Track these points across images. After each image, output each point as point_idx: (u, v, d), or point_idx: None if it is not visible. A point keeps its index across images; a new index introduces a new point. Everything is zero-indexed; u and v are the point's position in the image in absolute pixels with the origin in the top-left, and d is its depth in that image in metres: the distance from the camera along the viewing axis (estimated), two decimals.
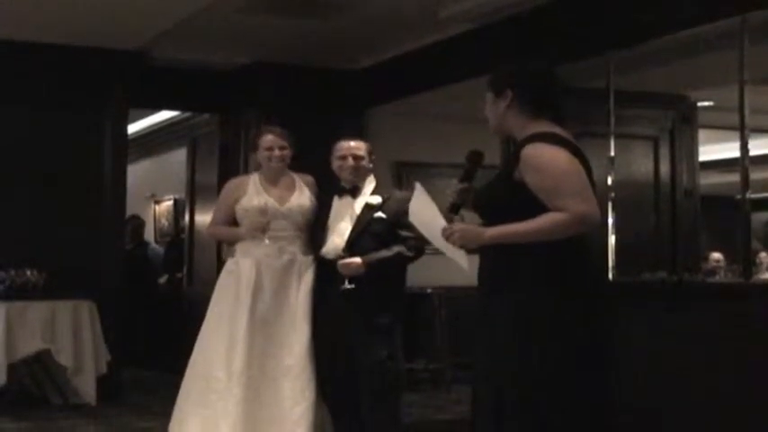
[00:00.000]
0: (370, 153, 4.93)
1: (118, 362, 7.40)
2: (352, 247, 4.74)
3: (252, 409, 4.70)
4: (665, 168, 7.43)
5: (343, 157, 4.87)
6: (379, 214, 4.80)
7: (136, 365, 8.69)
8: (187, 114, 9.60)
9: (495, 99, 3.31)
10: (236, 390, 4.68)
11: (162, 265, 10.28)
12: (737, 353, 4.95)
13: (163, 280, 10.17)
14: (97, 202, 7.68)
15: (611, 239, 6.26)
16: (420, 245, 4.70)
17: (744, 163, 5.51)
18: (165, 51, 7.72)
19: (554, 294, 3.10)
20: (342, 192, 4.91)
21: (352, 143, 4.92)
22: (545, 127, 3.22)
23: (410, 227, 4.29)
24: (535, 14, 6.30)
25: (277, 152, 4.95)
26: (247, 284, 4.83)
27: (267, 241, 4.86)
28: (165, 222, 11.34)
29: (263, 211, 4.88)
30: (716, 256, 9.41)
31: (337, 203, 4.90)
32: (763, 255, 9.60)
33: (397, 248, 4.75)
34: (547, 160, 3.12)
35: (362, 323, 4.71)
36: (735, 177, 5.82)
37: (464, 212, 3.38)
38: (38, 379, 7.20)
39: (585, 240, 3.18)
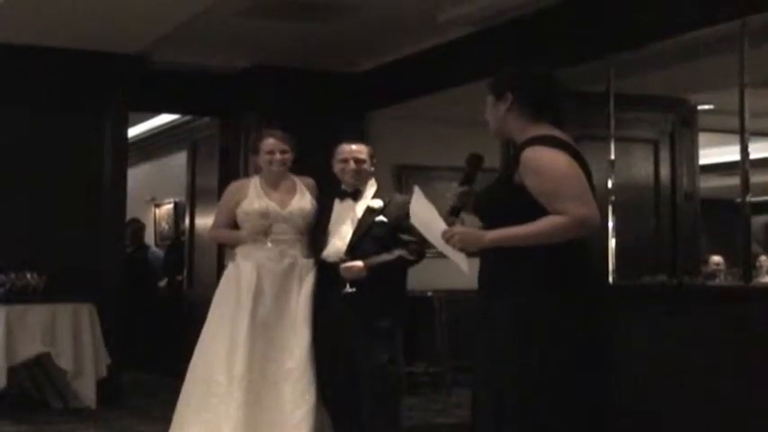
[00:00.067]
0: (371, 156, 4.93)
1: (118, 365, 7.40)
2: (353, 250, 4.73)
3: (253, 413, 4.69)
4: (665, 171, 7.44)
5: (345, 161, 4.87)
6: (381, 218, 4.80)
7: (136, 369, 8.69)
8: (187, 118, 9.61)
9: (496, 102, 3.32)
10: (237, 394, 4.68)
11: (162, 269, 10.28)
12: (737, 356, 4.95)
13: (163, 283, 10.18)
14: (97, 205, 7.68)
15: (612, 243, 6.27)
16: (421, 249, 4.70)
17: (744, 166, 5.51)
18: (165, 55, 7.72)
19: (554, 298, 3.10)
20: (343, 195, 4.91)
21: (354, 146, 4.92)
22: (545, 130, 3.23)
23: (411, 230, 4.30)
24: (535, 18, 6.30)
25: (278, 156, 4.95)
26: (248, 288, 4.82)
27: (269, 244, 4.86)
28: (165, 226, 11.34)
29: (264, 214, 4.88)
30: (716, 259, 9.41)
31: (338, 207, 4.90)
32: (763, 258, 9.60)
33: (398, 252, 4.75)
34: (546, 163, 3.12)
35: (363, 327, 4.71)
36: (735, 180, 5.82)
37: (464, 215, 3.38)
38: (38, 382, 7.20)
39: (585, 243, 3.18)
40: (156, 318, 9.71)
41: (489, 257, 3.24)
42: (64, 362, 6.87)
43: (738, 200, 5.63)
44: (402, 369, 4.91)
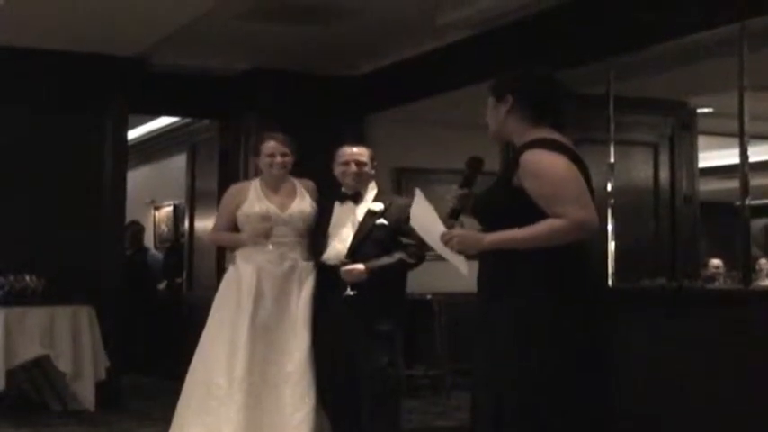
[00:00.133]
0: (372, 159, 4.94)
1: (117, 368, 7.39)
2: (354, 253, 4.74)
3: (253, 415, 4.69)
4: (664, 175, 7.44)
5: (346, 163, 4.87)
6: (381, 221, 4.80)
7: (135, 371, 8.68)
8: (187, 120, 9.61)
9: (496, 104, 3.32)
10: (237, 396, 4.68)
11: (161, 271, 10.28)
12: (737, 359, 4.95)
13: (162, 286, 10.18)
14: (97, 207, 7.67)
15: (611, 246, 6.27)
16: (421, 252, 4.71)
17: (743, 169, 5.51)
18: (165, 57, 7.72)
19: (553, 300, 3.10)
20: (343, 198, 4.91)
21: (355, 149, 4.93)
22: (545, 133, 3.23)
23: (411, 234, 4.30)
24: (535, 21, 6.31)
25: (279, 159, 4.95)
26: (248, 291, 4.83)
27: (270, 247, 4.86)
28: (164, 228, 11.34)
29: (264, 217, 4.88)
30: (715, 262, 9.42)
31: (338, 209, 4.90)
32: (762, 261, 9.61)
33: (398, 255, 4.76)
34: (545, 166, 3.12)
35: (363, 329, 4.71)
36: (734, 183, 5.82)
37: (464, 218, 3.38)
38: (37, 385, 7.19)
39: (585, 246, 3.18)
40: (156, 320, 9.70)
41: (488, 260, 3.24)
42: (63, 364, 6.86)
43: (738, 203, 5.63)
44: (401, 372, 4.91)
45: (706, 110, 7.86)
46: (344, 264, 4.70)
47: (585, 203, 3.12)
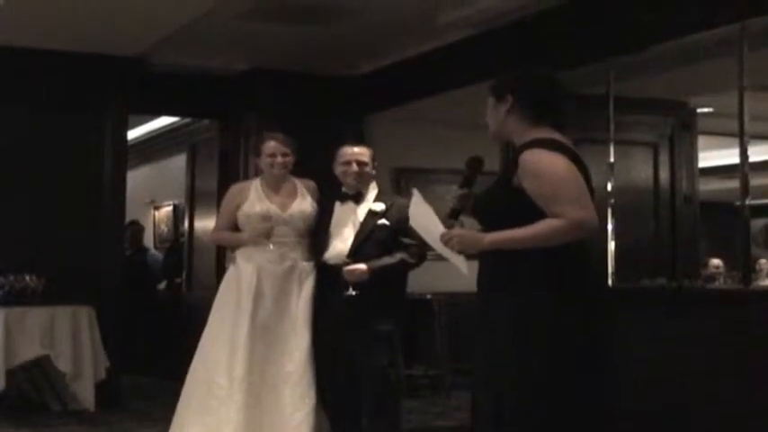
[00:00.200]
0: (373, 159, 4.94)
1: (117, 368, 7.39)
2: (355, 253, 4.74)
3: (253, 415, 4.70)
4: (664, 175, 7.44)
5: (348, 163, 4.88)
6: (383, 221, 4.80)
7: (135, 371, 8.68)
8: (186, 120, 9.61)
9: (496, 104, 3.32)
10: (237, 396, 4.69)
11: (161, 271, 10.28)
12: (737, 359, 4.95)
13: (162, 285, 10.17)
14: (97, 207, 7.67)
15: (611, 245, 6.27)
16: (422, 252, 4.71)
17: (743, 169, 5.51)
18: (165, 57, 7.72)
19: (553, 300, 3.10)
20: (344, 197, 4.91)
21: (356, 149, 4.93)
22: (544, 133, 3.23)
23: (412, 234, 4.30)
24: (535, 20, 6.30)
25: (279, 159, 4.96)
26: (248, 291, 4.83)
27: (271, 247, 4.86)
28: (164, 228, 11.34)
29: (265, 217, 4.89)
30: (715, 262, 9.42)
31: (339, 209, 4.90)
32: (762, 261, 9.62)
33: (400, 255, 4.76)
34: (545, 166, 3.12)
35: (364, 329, 4.71)
36: (734, 183, 5.82)
37: (464, 218, 3.38)
38: (37, 385, 7.19)
39: (584, 246, 3.18)
40: (156, 320, 9.70)
41: (488, 260, 3.25)
42: (63, 364, 6.86)
43: (738, 203, 5.63)
44: (401, 372, 4.91)
45: (706, 110, 7.85)
46: (346, 264, 4.70)
47: (585, 203, 3.12)
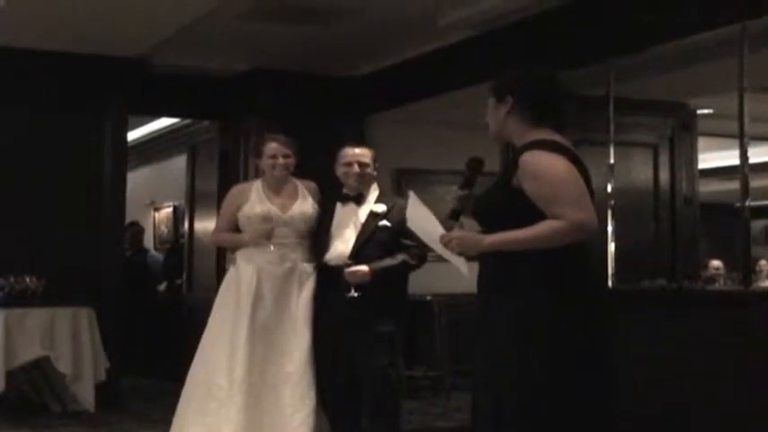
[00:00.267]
0: (374, 160, 4.94)
1: (117, 369, 7.39)
2: (357, 255, 4.74)
3: (253, 416, 4.70)
4: (664, 176, 7.44)
5: (349, 164, 4.88)
6: (384, 222, 4.80)
7: (135, 372, 8.68)
8: (187, 121, 9.61)
9: (497, 104, 3.32)
10: (237, 397, 4.69)
11: (161, 272, 10.27)
12: (737, 360, 4.95)
13: (162, 287, 10.17)
14: (97, 208, 7.67)
15: (611, 247, 6.27)
16: (423, 253, 4.71)
17: (743, 171, 5.51)
18: (166, 58, 7.72)
19: (552, 301, 3.10)
20: (345, 198, 4.91)
21: (358, 150, 4.93)
22: (544, 134, 3.23)
23: (413, 235, 4.29)
24: (536, 21, 6.30)
25: (281, 160, 4.96)
26: (248, 292, 4.83)
27: (272, 248, 4.86)
28: (164, 229, 11.34)
29: (265, 218, 4.89)
30: (715, 263, 9.42)
31: (340, 210, 4.90)
32: (762, 262, 9.61)
33: (401, 257, 4.77)
34: (545, 167, 3.12)
35: (365, 330, 4.71)
36: (734, 185, 5.83)
37: (464, 219, 3.38)
38: (37, 386, 7.19)
39: (584, 247, 3.18)
40: (156, 321, 9.69)
41: (488, 261, 3.24)
42: (63, 365, 6.86)
43: (738, 204, 5.63)
44: (402, 373, 4.91)
45: (706, 111, 7.86)
46: (348, 265, 4.70)
47: (585, 205, 3.12)
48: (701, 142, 7.95)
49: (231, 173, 8.37)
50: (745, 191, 5.50)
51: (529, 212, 3.11)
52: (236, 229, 5.03)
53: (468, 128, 6.01)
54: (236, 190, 5.20)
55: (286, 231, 4.91)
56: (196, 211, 9.34)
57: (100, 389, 7.03)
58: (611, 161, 6.43)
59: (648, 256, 7.15)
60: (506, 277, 3.17)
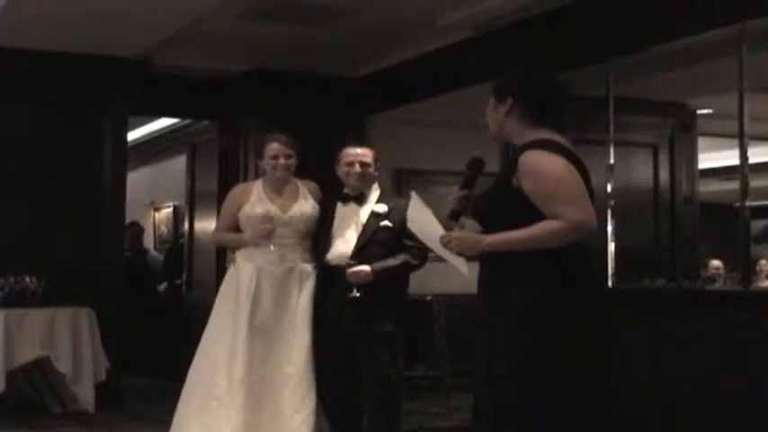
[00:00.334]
0: (375, 160, 4.94)
1: (117, 369, 7.39)
2: (358, 255, 4.74)
3: (253, 417, 4.70)
4: (664, 176, 7.44)
5: (351, 164, 4.87)
6: (385, 223, 4.80)
7: (135, 373, 8.68)
8: (187, 121, 9.61)
9: (496, 105, 3.32)
10: (237, 398, 4.69)
11: (161, 272, 10.27)
12: (737, 360, 4.94)
13: (162, 287, 10.16)
14: (97, 208, 7.68)
15: (611, 247, 6.27)
16: (424, 253, 4.71)
17: (743, 171, 5.51)
18: (166, 59, 7.72)
19: (552, 301, 3.10)
20: (346, 198, 4.91)
21: (359, 150, 4.93)
22: (544, 134, 3.23)
23: (415, 236, 4.30)
24: (536, 22, 6.31)
25: (282, 161, 4.96)
26: (247, 291, 4.83)
27: (272, 248, 4.86)
28: (164, 229, 11.33)
29: (266, 218, 4.89)
30: (715, 263, 9.41)
31: (341, 210, 4.90)
32: (762, 262, 9.60)
33: (402, 257, 4.76)
34: (544, 167, 3.13)
35: (365, 330, 4.71)
36: (734, 185, 5.83)
37: (464, 219, 3.38)
38: (36, 386, 7.19)
39: (584, 247, 3.18)
40: (156, 321, 9.69)
41: (488, 261, 3.25)
42: (63, 366, 6.86)
43: (738, 204, 5.63)
44: (402, 373, 4.91)
45: (706, 111, 7.86)
46: (350, 265, 4.70)
47: (584, 205, 3.12)
48: (701, 142, 7.96)
49: (231, 173, 8.37)
50: (745, 191, 5.50)
51: (528, 212, 3.11)
52: (236, 228, 5.03)
53: (468, 128, 6.01)
54: (237, 190, 5.21)
55: (286, 231, 4.91)
56: (196, 211, 9.34)
57: (100, 389, 7.04)
58: (611, 161, 6.43)
59: (648, 255, 7.15)
60: (506, 277, 3.18)
